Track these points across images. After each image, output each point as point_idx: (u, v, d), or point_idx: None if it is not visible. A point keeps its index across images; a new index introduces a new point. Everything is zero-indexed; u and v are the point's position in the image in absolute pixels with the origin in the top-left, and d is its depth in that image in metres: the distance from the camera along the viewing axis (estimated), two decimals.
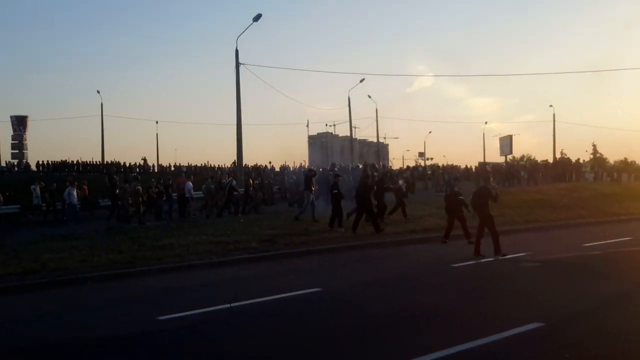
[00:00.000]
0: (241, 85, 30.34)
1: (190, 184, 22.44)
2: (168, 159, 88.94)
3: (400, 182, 22.29)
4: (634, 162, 53.69)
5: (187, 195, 22.03)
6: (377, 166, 34.49)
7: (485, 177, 17.49)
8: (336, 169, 27.82)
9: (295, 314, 7.97)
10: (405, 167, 43.15)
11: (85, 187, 24.81)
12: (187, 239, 14.40)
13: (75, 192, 22.19)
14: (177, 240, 14.36)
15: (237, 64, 29.97)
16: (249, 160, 41.96)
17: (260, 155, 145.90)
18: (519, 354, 5.83)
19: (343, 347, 6.28)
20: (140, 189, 20.93)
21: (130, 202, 20.83)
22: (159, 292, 9.91)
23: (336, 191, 16.63)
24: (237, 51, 29.81)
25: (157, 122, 59.34)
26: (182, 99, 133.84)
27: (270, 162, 42.39)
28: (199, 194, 23.64)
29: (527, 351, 5.88)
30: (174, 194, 22.92)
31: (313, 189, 18.37)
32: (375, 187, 17.04)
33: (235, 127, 30.79)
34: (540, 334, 6.35)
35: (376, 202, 17.13)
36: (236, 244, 13.75)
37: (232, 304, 7.99)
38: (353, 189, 20.51)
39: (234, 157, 33.97)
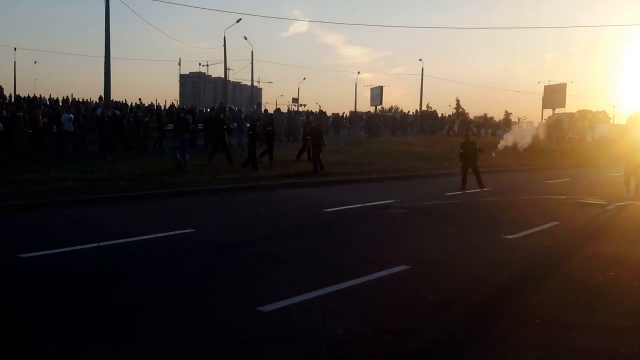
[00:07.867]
0: (111, 15, 28.68)
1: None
2: (26, 90, 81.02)
3: None
4: (492, 118, 58.46)
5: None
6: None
7: None
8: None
9: (166, 254, 7.66)
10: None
11: None
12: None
13: None
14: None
15: None
16: (116, 95, 39.37)
17: (128, 91, 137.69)
18: (387, 293, 6.07)
19: (214, 286, 6.18)
20: None
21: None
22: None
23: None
24: None
25: (15, 49, 55.55)
26: (46, 27, 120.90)
27: (140, 100, 39.91)
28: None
29: (395, 291, 6.14)
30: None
31: None
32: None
33: (103, 59, 29.28)
34: (406, 275, 6.66)
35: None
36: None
37: (100, 243, 7.58)
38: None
39: (101, 92, 32.20)
